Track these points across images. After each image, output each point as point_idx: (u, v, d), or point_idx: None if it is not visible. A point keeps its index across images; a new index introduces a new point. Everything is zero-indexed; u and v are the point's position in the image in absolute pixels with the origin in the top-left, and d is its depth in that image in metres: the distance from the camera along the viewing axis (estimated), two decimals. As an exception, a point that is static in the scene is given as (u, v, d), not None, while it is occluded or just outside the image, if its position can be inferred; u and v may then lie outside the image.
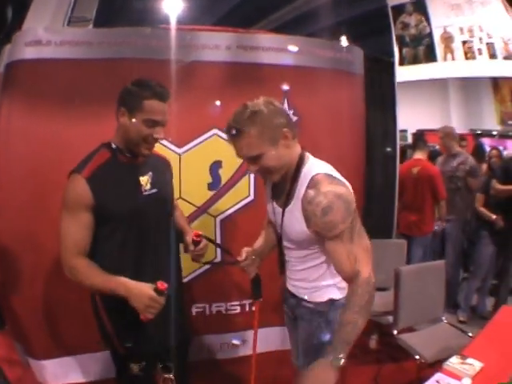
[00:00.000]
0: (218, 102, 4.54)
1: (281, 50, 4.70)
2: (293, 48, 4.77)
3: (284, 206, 2.75)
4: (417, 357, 4.27)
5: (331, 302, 2.86)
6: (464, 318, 6.57)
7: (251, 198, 4.65)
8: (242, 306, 4.83)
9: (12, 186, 4.16)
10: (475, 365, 3.03)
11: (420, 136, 6.73)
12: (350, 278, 2.57)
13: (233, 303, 4.81)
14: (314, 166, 2.69)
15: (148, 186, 3.04)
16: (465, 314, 6.63)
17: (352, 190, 2.62)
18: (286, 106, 4.65)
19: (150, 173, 3.07)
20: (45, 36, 4.13)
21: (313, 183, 2.57)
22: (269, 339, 4.87)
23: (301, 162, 2.72)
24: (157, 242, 3.07)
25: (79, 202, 2.82)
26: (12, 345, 4.91)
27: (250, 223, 4.33)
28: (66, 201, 2.85)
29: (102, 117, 4.10)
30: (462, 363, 3.05)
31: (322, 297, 2.87)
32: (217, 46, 4.53)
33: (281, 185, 2.79)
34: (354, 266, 2.54)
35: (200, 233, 3.19)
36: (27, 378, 4.56)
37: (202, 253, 3.26)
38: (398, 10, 12.64)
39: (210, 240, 3.33)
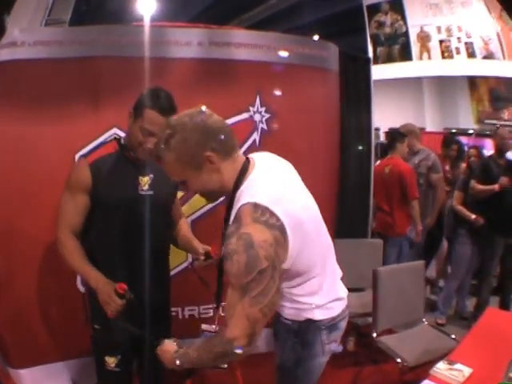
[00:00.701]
0: (189, 99, 4.35)
1: (253, 46, 4.62)
2: (266, 44, 4.69)
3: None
4: (398, 360, 4.20)
5: (309, 322, 2.58)
6: (442, 321, 6.56)
7: (223, 197, 4.47)
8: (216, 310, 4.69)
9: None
10: (464, 370, 2.98)
11: (398, 134, 6.64)
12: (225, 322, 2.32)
13: (206, 306, 4.69)
14: (248, 189, 2.33)
15: (146, 187, 3.16)
16: (443, 316, 6.62)
17: (287, 227, 2.25)
18: (258, 102, 4.60)
19: (152, 175, 3.18)
20: (19, 37, 4.07)
21: (237, 217, 2.24)
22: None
23: (237, 183, 2.40)
24: (142, 239, 3.12)
25: (79, 184, 3.06)
26: None
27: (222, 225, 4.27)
28: (69, 181, 3.11)
29: (75, 116, 4.16)
30: (450, 369, 3.00)
31: (300, 316, 2.58)
32: (188, 42, 4.45)
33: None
34: (228, 319, 2.25)
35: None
36: None
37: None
38: (374, 8, 12.70)
39: None
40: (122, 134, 4.06)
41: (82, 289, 4.19)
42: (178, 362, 2.42)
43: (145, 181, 3.15)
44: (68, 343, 4.32)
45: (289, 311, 2.59)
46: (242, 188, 2.35)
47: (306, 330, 2.59)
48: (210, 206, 4.43)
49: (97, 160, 3.13)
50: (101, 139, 4.18)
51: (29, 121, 4.07)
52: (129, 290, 2.87)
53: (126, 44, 4.25)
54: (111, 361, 3.14)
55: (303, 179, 4.40)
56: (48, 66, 4.11)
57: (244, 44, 4.59)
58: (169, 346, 2.53)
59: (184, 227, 3.60)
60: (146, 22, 5.19)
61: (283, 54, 4.73)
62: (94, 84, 4.20)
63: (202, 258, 3.18)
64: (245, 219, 2.17)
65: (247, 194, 2.27)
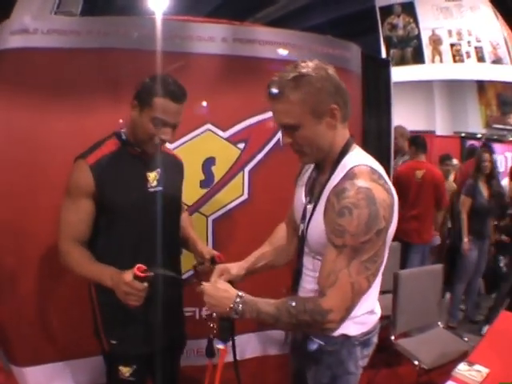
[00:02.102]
0: (211, 96, 4.36)
1: (278, 44, 4.54)
2: (291, 42, 4.60)
3: (316, 201, 2.32)
4: (416, 362, 4.25)
5: (344, 338, 2.43)
6: (453, 325, 6.58)
7: (245, 197, 4.49)
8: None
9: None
10: (482, 371, 3.07)
11: (419, 138, 6.64)
12: (319, 291, 2.19)
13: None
14: (359, 157, 2.26)
15: (154, 183, 2.98)
16: (454, 319, 6.67)
17: (396, 205, 2.17)
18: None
19: (159, 169, 3.00)
20: (32, 24, 3.96)
21: (351, 173, 2.13)
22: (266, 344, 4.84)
23: (345, 150, 2.29)
24: (156, 241, 2.94)
25: (80, 189, 2.81)
26: None
27: (244, 223, 4.29)
28: (69, 186, 2.85)
29: (91, 109, 4.05)
30: (470, 370, 3.07)
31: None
32: (212, 38, 4.35)
33: (319, 177, 2.41)
34: (326, 286, 2.11)
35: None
36: None
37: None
38: (386, 10, 12.67)
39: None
40: None
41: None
42: (239, 308, 2.19)
43: (153, 176, 2.98)
44: (74, 342, 4.20)
45: None
46: (350, 155, 2.27)
47: (341, 347, 2.44)
48: (231, 206, 4.41)
49: (98, 160, 2.84)
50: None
51: (43, 111, 3.97)
52: (149, 269, 2.58)
53: (146, 37, 4.14)
54: (125, 370, 2.97)
55: None
56: (64, 55, 4.01)
57: (269, 42, 4.50)
58: (225, 285, 2.33)
59: (187, 224, 3.44)
60: (168, 16, 5.05)
61: (307, 52, 4.58)
62: (112, 76, 4.11)
63: (208, 263, 3.07)
64: (362, 176, 2.09)
65: (358, 160, 2.21)
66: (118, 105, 3.96)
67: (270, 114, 4.25)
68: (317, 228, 2.26)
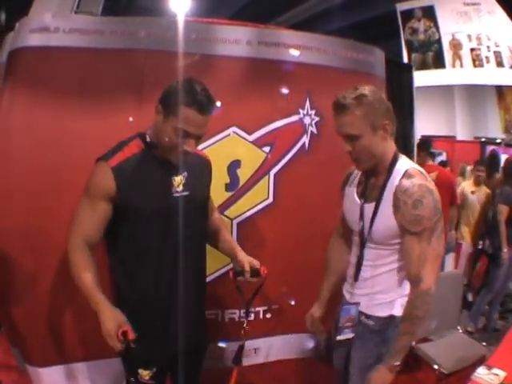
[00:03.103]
0: (236, 99, 4.31)
1: (303, 47, 4.50)
2: (316, 46, 4.56)
3: (377, 200, 2.82)
4: (435, 367, 4.31)
5: (391, 318, 2.90)
6: (472, 329, 6.62)
7: (270, 200, 4.44)
8: (256, 313, 4.59)
9: (12, 183, 3.93)
10: (499, 374, 3.13)
11: (428, 143, 6.67)
12: (412, 282, 2.73)
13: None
14: (408, 162, 2.86)
15: (180, 188, 2.91)
16: (473, 324, 6.70)
17: None
18: (308, 105, 4.49)
19: (185, 173, 2.93)
20: (52, 23, 3.92)
21: (407, 175, 2.72)
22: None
23: (396, 157, 2.84)
24: (181, 247, 2.90)
25: (100, 190, 2.77)
26: (8, 349, 4.67)
27: (269, 227, 4.25)
28: (88, 186, 2.82)
29: (114, 109, 4.04)
30: (489, 373, 3.13)
31: (384, 311, 2.91)
32: (237, 40, 4.32)
33: (372, 180, 2.91)
34: (420, 270, 2.66)
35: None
36: None
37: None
38: (407, 15, 12.65)
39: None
40: None
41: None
42: (398, 363, 2.77)
43: (178, 181, 2.90)
44: (92, 343, 4.12)
45: (373, 308, 2.95)
46: (401, 161, 2.85)
47: (387, 326, 2.89)
48: (256, 209, 4.38)
49: (120, 163, 2.79)
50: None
51: (65, 110, 3.94)
52: (131, 335, 2.67)
53: (171, 38, 4.11)
54: (145, 373, 2.93)
55: None
56: (86, 55, 3.99)
57: (294, 45, 4.47)
58: (381, 371, 2.79)
59: (221, 226, 3.39)
60: (192, 18, 5.04)
61: (333, 57, 4.62)
62: (136, 78, 4.09)
63: (248, 274, 3.05)
64: (417, 176, 2.71)
65: (408, 164, 2.83)
66: (142, 106, 3.99)
67: (295, 118, 4.34)
68: (384, 222, 2.78)
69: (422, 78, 10.34)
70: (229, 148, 4.30)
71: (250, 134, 4.30)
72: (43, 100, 3.90)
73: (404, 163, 2.82)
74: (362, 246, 2.94)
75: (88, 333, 4.06)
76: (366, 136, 2.71)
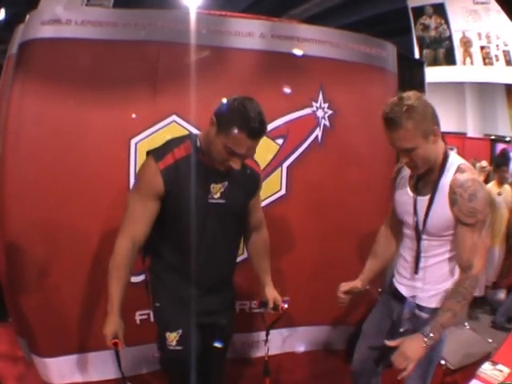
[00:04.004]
0: (249, 92, 4.24)
1: (317, 41, 4.51)
2: (329, 40, 4.58)
3: (431, 193, 2.88)
4: (442, 362, 4.26)
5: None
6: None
7: (283, 192, 4.48)
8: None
9: (23, 175, 3.94)
10: (504, 370, 3.17)
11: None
12: (463, 268, 2.80)
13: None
14: (457, 157, 2.92)
15: (217, 195, 2.98)
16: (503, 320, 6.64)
17: None
18: (321, 98, 4.50)
19: (226, 182, 2.98)
20: (64, 15, 3.95)
21: (460, 170, 2.80)
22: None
23: (447, 154, 2.89)
24: (209, 253, 3.04)
25: (152, 190, 2.87)
26: (15, 340, 4.74)
27: (281, 218, 4.25)
28: (139, 184, 2.97)
29: (126, 102, 4.04)
30: (493, 369, 3.17)
31: (436, 302, 2.97)
32: (250, 33, 4.33)
33: (425, 176, 2.94)
34: (471, 258, 2.76)
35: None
36: (30, 376, 4.37)
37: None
38: (419, 11, 12.63)
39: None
40: (182, 122, 4.10)
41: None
42: (431, 339, 2.77)
43: (217, 188, 2.95)
44: (99, 334, 4.16)
45: (430, 299, 3.01)
46: (451, 156, 2.90)
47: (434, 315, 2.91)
48: (269, 200, 4.41)
49: (169, 166, 2.87)
50: (159, 125, 4.10)
51: (78, 102, 3.96)
52: (119, 346, 2.86)
53: (185, 30, 4.13)
54: (172, 337, 3.03)
55: (362, 178, 4.32)
56: (100, 47, 4.01)
57: (307, 39, 4.48)
58: (416, 339, 2.80)
59: (264, 255, 3.38)
60: (205, 10, 5.03)
61: (345, 51, 4.62)
62: (150, 69, 4.11)
63: (270, 309, 3.19)
64: (469, 170, 2.82)
65: (459, 160, 2.89)
66: (155, 98, 4.03)
67: (308, 111, 4.30)
68: (438, 215, 2.86)
69: (433, 75, 10.34)
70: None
71: (263, 125, 4.27)
72: (55, 91, 3.91)
73: (455, 159, 2.89)
74: (418, 238, 3.01)
75: (96, 323, 4.09)
76: (420, 146, 2.73)
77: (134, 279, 3.53)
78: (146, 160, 2.96)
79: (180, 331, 3.03)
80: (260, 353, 4.64)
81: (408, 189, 3.05)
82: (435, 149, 2.81)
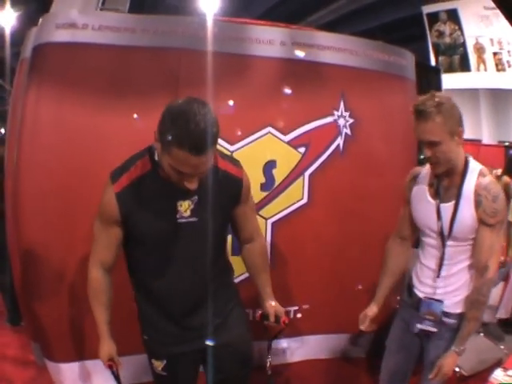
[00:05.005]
0: (271, 99, 4.33)
1: (337, 49, 4.51)
2: (349, 48, 4.58)
3: (456, 199, 2.97)
4: (457, 369, 4.31)
5: (462, 315, 3.04)
6: None
7: (305, 201, 4.45)
8: (286, 313, 4.55)
9: (39, 179, 3.94)
10: None
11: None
12: (480, 269, 2.93)
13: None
14: (476, 163, 3.03)
15: (187, 213, 2.68)
16: None
17: None
18: (342, 107, 4.49)
19: (196, 197, 2.65)
20: (80, 19, 3.94)
21: (482, 174, 2.94)
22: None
23: (468, 159, 3.00)
24: (184, 276, 2.81)
25: (108, 216, 2.68)
26: (27, 344, 4.79)
27: (303, 227, 4.23)
28: (99, 208, 2.73)
29: (144, 109, 4.02)
30: (505, 375, 3.19)
31: (462, 307, 3.03)
32: (271, 41, 4.32)
33: (445, 181, 3.03)
34: (488, 259, 2.90)
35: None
36: (41, 380, 4.41)
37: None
38: (433, 17, 12.64)
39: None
40: None
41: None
42: (464, 347, 2.98)
43: (186, 206, 2.65)
44: (114, 340, 4.16)
45: (455, 305, 3.07)
46: (471, 162, 3.01)
47: (459, 322, 3.04)
48: (290, 209, 4.40)
49: (124, 188, 2.60)
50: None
51: (95, 108, 3.96)
52: (114, 368, 2.86)
53: (206, 37, 4.12)
54: (158, 364, 2.98)
55: (383, 186, 4.33)
56: (117, 52, 4.01)
57: (327, 46, 4.47)
58: (452, 356, 2.98)
59: (261, 267, 3.09)
60: (223, 17, 5.03)
61: (365, 59, 4.62)
62: (171, 76, 4.09)
63: (271, 322, 3.02)
64: (489, 175, 2.97)
65: (479, 165, 3.00)
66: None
67: (329, 119, 4.36)
68: (465, 218, 2.94)
69: (448, 81, 10.34)
70: (265, 148, 4.32)
71: (285, 134, 4.31)
72: (73, 97, 3.91)
73: (475, 164, 3.01)
74: (443, 245, 3.07)
75: (111, 329, 4.12)
76: (445, 142, 2.83)
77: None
78: (106, 181, 2.70)
79: (165, 361, 2.97)
80: (278, 361, 4.56)
81: (428, 196, 3.10)
82: (457, 151, 2.93)
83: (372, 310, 3.35)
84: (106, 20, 4.04)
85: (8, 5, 11.49)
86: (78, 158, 3.93)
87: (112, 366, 2.84)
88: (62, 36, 3.90)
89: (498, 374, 3.20)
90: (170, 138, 2.30)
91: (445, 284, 3.09)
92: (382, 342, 3.47)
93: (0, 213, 5.62)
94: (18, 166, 3.97)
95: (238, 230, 3.02)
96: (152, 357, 3.01)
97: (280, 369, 4.47)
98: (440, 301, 3.09)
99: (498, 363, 4.09)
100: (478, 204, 2.89)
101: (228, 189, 2.79)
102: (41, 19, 4.10)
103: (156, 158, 2.58)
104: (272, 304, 3.01)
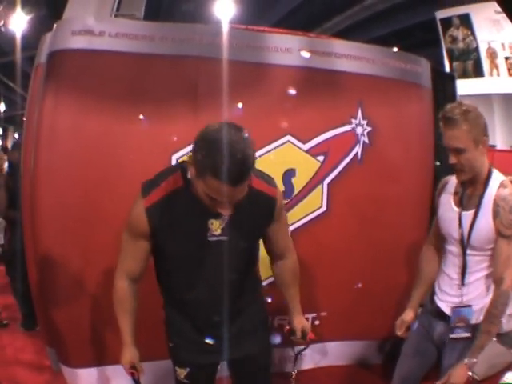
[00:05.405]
0: (290, 108, 4.34)
1: (354, 57, 4.53)
2: (366, 56, 4.59)
3: (476, 207, 2.99)
4: (469, 373, 4.24)
5: (477, 325, 3.04)
6: None
7: (324, 209, 4.47)
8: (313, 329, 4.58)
9: (58, 186, 3.96)
10: None
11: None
12: (496, 281, 2.93)
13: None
14: (499, 174, 3.03)
15: (218, 231, 2.63)
16: None
17: None
18: (360, 115, 4.50)
19: (226, 216, 2.59)
20: (97, 26, 3.94)
21: (503, 185, 2.92)
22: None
23: (491, 169, 3.00)
24: (212, 292, 2.78)
25: (137, 230, 2.65)
26: (42, 349, 4.80)
27: (322, 235, 4.20)
28: (128, 221, 2.69)
29: (162, 117, 4.05)
30: None
31: (480, 318, 3.04)
32: (289, 49, 4.33)
33: (469, 190, 3.06)
34: (504, 271, 2.89)
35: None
36: None
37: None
38: (446, 22, 12.62)
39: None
40: None
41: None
42: (476, 360, 2.99)
43: (217, 224, 2.61)
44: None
45: (473, 315, 3.08)
46: (494, 172, 3.00)
47: (475, 334, 3.04)
48: (309, 217, 4.42)
49: (155, 203, 2.56)
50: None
51: (115, 115, 3.97)
52: (136, 375, 2.86)
53: (224, 46, 4.11)
54: (181, 371, 2.97)
55: (400, 194, 4.35)
56: (135, 60, 4.01)
57: (344, 55, 4.49)
58: (463, 368, 3.00)
59: (291, 285, 3.06)
60: (237, 24, 5.03)
61: (382, 67, 4.63)
62: (189, 84, 4.10)
63: (298, 338, 3.04)
64: (510, 186, 2.92)
65: (501, 176, 3.00)
66: (196, 113, 4.02)
67: (347, 128, 4.34)
68: (483, 228, 2.95)
69: (462, 87, 10.31)
70: (284, 156, 4.32)
71: (304, 142, 4.32)
72: (90, 103, 3.92)
73: (498, 175, 3.02)
74: (464, 253, 3.10)
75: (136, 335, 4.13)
76: (469, 150, 2.87)
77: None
78: (138, 194, 2.67)
79: (188, 369, 2.96)
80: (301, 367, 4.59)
81: (453, 204, 3.15)
82: (482, 159, 2.94)
83: (409, 315, 3.40)
84: (122, 27, 4.03)
85: (19, 8, 11.48)
86: (94, 165, 3.95)
87: (134, 374, 2.85)
88: (79, 43, 3.90)
89: (509, 376, 3.41)
90: (205, 166, 2.25)
91: (467, 291, 3.11)
92: (398, 348, 3.48)
93: (12, 221, 5.69)
94: (35, 172, 3.99)
95: (270, 246, 2.98)
96: (176, 364, 3.00)
97: (297, 375, 4.46)
98: (468, 305, 3.12)
99: (509, 367, 4.20)
100: (495, 214, 2.91)
101: (261, 208, 2.75)
102: (55, 25, 4.11)
103: (188, 175, 2.51)
104: (300, 320, 3.06)
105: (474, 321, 3.05)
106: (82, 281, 4.05)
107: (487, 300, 2.99)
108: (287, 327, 3.14)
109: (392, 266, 4.41)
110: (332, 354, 4.79)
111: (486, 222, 2.94)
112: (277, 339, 3.28)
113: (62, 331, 4.16)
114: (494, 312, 2.91)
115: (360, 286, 4.58)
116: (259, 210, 2.72)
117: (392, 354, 3.80)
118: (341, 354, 4.82)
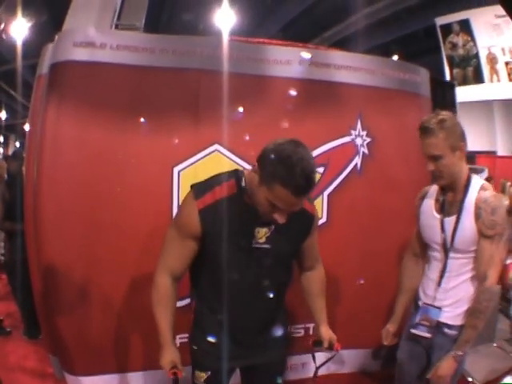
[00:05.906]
0: (289, 119, 4.38)
1: (353, 68, 4.54)
2: (365, 67, 4.61)
3: (458, 212, 3.13)
4: (470, 379, 4.38)
5: (462, 327, 3.15)
6: None
7: (324, 220, 4.47)
8: (306, 329, 4.65)
9: (61, 196, 3.99)
10: None
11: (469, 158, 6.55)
12: (480, 279, 3.07)
13: (297, 326, 4.60)
14: (479, 178, 3.22)
15: (262, 240, 2.76)
16: None
17: None
18: (359, 126, 4.52)
19: (273, 226, 2.73)
20: (98, 38, 3.97)
21: (483, 188, 3.10)
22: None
23: (470, 175, 3.17)
24: (249, 298, 2.89)
25: (188, 230, 2.73)
26: (45, 356, 4.82)
27: (322, 247, 4.19)
28: (178, 220, 2.84)
29: (163, 129, 4.07)
30: None
31: (464, 319, 3.14)
32: (289, 61, 4.35)
33: (449, 196, 3.21)
34: (487, 269, 3.02)
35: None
36: None
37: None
38: (446, 29, 12.62)
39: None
40: (224, 151, 4.09)
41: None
42: (461, 353, 3.08)
43: (262, 233, 2.73)
44: (138, 354, 4.22)
45: (456, 318, 3.19)
46: (474, 177, 3.18)
47: (459, 334, 3.15)
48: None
49: (208, 206, 2.66)
50: (201, 154, 4.09)
51: (117, 129, 3.99)
52: (180, 375, 2.80)
53: (224, 58, 4.13)
54: (201, 375, 3.00)
55: (400, 204, 4.44)
56: (136, 73, 4.02)
57: (344, 66, 4.50)
58: (448, 360, 3.08)
59: (319, 295, 3.21)
60: (237, 36, 5.05)
61: (381, 77, 4.66)
62: (190, 96, 4.11)
63: (326, 346, 3.05)
64: (490, 189, 3.12)
65: (480, 180, 3.19)
66: (197, 126, 4.07)
67: (347, 139, 4.39)
68: (466, 231, 3.09)
69: (463, 94, 10.34)
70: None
71: (304, 154, 4.30)
72: (92, 115, 3.95)
73: (477, 179, 3.19)
74: (446, 257, 3.23)
75: (135, 343, 4.18)
76: (447, 156, 3.02)
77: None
78: (187, 194, 2.80)
79: (209, 372, 2.99)
80: (299, 375, 4.65)
81: (434, 212, 3.29)
82: (460, 165, 3.11)
83: (393, 325, 3.51)
84: (123, 39, 4.05)
85: (20, 15, 11.50)
86: (97, 175, 3.97)
87: (176, 374, 2.80)
88: (81, 55, 3.92)
89: (508, 380, 3.54)
90: (275, 175, 2.38)
91: (445, 296, 3.23)
92: (394, 352, 3.55)
93: (11, 232, 5.70)
94: (39, 183, 4.02)
95: (301, 258, 3.13)
96: (196, 367, 3.04)
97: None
98: (438, 308, 3.24)
99: (509, 371, 4.26)
100: (477, 216, 3.04)
101: (302, 223, 2.91)
102: (57, 36, 4.13)
103: (243, 183, 2.68)
104: (327, 331, 3.11)
105: (459, 322, 3.15)
106: (84, 289, 4.06)
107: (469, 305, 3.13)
108: (312, 340, 3.17)
109: (393, 276, 4.44)
110: (336, 361, 4.72)
111: (468, 225, 3.08)
112: None
113: (66, 339, 4.18)
114: (478, 307, 3.03)
115: (362, 296, 4.61)
116: (300, 225, 2.89)
117: (389, 358, 3.84)
118: (344, 361, 4.85)
